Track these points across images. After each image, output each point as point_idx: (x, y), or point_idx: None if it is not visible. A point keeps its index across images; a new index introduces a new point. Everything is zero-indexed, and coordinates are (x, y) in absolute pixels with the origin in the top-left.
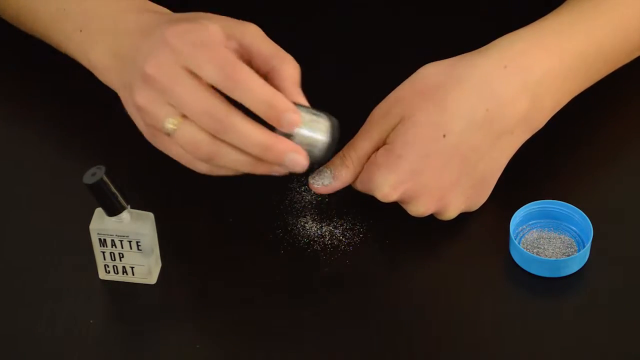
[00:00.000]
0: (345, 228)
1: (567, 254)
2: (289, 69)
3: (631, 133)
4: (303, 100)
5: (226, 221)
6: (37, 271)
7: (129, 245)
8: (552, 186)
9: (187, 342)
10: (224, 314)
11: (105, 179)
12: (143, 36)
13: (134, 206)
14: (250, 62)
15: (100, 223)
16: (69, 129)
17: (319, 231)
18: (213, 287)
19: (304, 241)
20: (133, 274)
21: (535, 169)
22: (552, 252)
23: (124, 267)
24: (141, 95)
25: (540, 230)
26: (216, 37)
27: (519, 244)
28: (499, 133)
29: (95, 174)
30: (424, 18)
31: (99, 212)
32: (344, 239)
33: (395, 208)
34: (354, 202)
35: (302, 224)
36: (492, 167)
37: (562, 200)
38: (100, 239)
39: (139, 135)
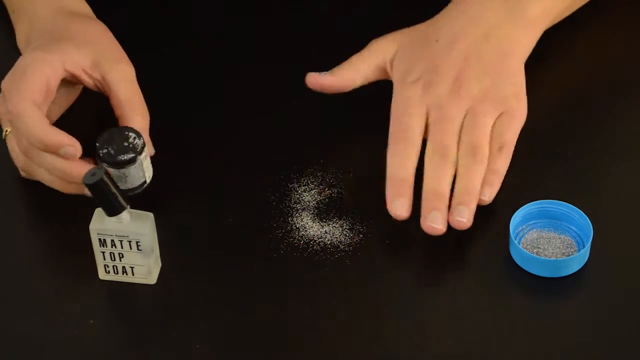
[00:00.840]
0: (345, 228)
1: (567, 254)
2: (138, 119)
3: (631, 133)
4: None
5: (226, 221)
6: (37, 271)
7: (128, 245)
8: (552, 186)
9: (187, 342)
10: (223, 314)
11: (106, 179)
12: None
13: (134, 206)
14: (109, 99)
15: (100, 223)
16: (69, 129)
17: (319, 231)
18: (213, 287)
19: (304, 241)
20: (133, 274)
21: (535, 169)
22: (552, 252)
23: (123, 267)
24: None
25: (540, 230)
26: (37, 68)
27: (518, 244)
28: (487, 27)
29: (95, 174)
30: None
31: (99, 212)
32: (344, 239)
33: None
34: (354, 202)
35: (302, 224)
36: (496, 53)
37: (562, 200)
38: (100, 239)
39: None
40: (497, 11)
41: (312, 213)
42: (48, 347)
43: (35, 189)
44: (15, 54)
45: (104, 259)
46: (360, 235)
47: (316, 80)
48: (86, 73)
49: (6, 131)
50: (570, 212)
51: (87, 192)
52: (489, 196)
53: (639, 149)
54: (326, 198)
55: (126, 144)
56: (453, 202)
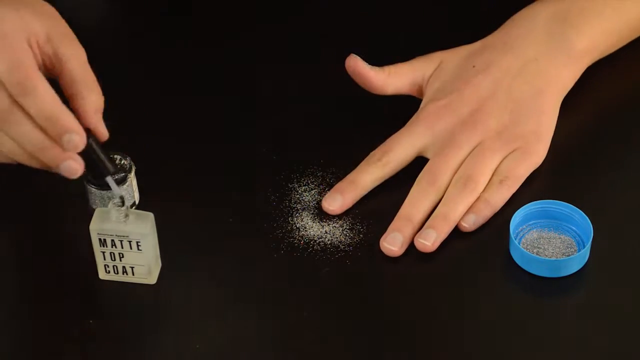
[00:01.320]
0: (345, 228)
1: (567, 254)
2: (93, 97)
3: (632, 133)
4: (103, 129)
5: (226, 221)
6: (37, 271)
7: (129, 245)
8: (552, 186)
9: (187, 342)
10: (223, 314)
11: (92, 142)
12: None
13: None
14: (59, 77)
15: (100, 223)
16: None
17: (319, 231)
18: (213, 287)
19: (304, 241)
20: (133, 274)
21: (535, 169)
22: (552, 252)
23: (124, 267)
24: None
25: (540, 230)
26: (18, 32)
27: (519, 244)
28: (524, 60)
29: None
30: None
31: (99, 212)
32: (344, 239)
33: (395, 209)
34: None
35: (302, 224)
36: (527, 89)
37: (562, 200)
38: (100, 239)
39: (140, 135)
40: (540, 44)
41: (312, 213)
42: (48, 347)
43: (36, 188)
44: None
45: (104, 259)
46: (360, 235)
47: (355, 63)
48: (38, 46)
49: None
50: (571, 212)
51: (65, 168)
52: (470, 223)
53: (639, 148)
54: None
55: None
56: (425, 225)
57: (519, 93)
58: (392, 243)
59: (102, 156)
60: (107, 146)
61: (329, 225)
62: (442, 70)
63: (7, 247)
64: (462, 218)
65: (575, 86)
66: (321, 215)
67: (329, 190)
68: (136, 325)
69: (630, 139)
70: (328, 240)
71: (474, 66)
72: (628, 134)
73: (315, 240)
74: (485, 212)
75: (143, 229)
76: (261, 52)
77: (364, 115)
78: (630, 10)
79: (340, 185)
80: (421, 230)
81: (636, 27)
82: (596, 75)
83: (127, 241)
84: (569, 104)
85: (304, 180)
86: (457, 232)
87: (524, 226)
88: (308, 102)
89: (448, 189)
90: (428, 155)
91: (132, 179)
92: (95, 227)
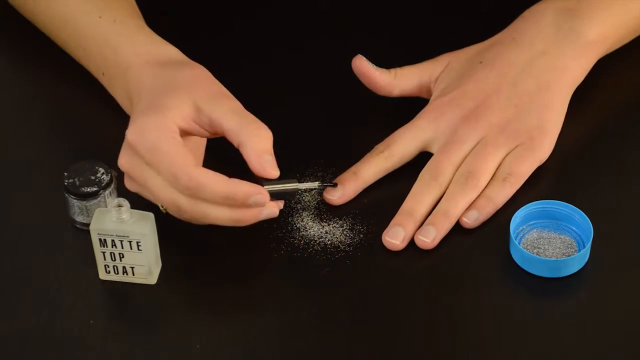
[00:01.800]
0: (345, 228)
1: (567, 254)
2: (256, 142)
3: (632, 133)
4: (271, 170)
5: None
6: (37, 271)
7: (129, 245)
8: (552, 186)
9: (187, 342)
10: (223, 314)
11: (270, 185)
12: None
13: (134, 206)
14: (223, 134)
15: (101, 223)
16: (69, 129)
17: (319, 231)
18: (213, 287)
19: (304, 241)
20: (133, 274)
21: (536, 169)
22: (552, 252)
23: (124, 267)
24: (124, 158)
25: (541, 231)
26: (170, 136)
27: (519, 244)
28: (531, 53)
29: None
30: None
31: (99, 212)
32: (344, 239)
33: (395, 209)
34: (354, 202)
35: (302, 224)
36: (534, 83)
37: (562, 200)
38: (100, 239)
39: None
40: (548, 37)
41: (312, 213)
42: (48, 347)
43: (36, 188)
44: None
45: (104, 259)
46: (360, 235)
47: (361, 63)
48: (195, 122)
49: (164, 207)
50: (571, 213)
51: (264, 217)
52: (472, 219)
53: (639, 148)
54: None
55: (93, 177)
56: (426, 221)
57: (525, 87)
58: (394, 237)
59: (282, 187)
60: (106, 146)
61: (329, 225)
62: (449, 70)
63: (8, 246)
64: (464, 214)
65: (578, 86)
66: (321, 215)
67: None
68: (136, 325)
69: (632, 139)
70: (328, 240)
71: (480, 62)
72: (631, 135)
73: (315, 240)
74: (488, 209)
75: (143, 229)
76: (261, 51)
77: (365, 116)
78: (638, 5)
79: (342, 176)
80: (421, 227)
81: None
82: (596, 75)
83: (127, 241)
84: (570, 103)
85: (304, 180)
86: (457, 232)
87: (524, 226)
88: (308, 101)
89: (450, 185)
90: (432, 150)
91: (107, 196)
92: (96, 227)
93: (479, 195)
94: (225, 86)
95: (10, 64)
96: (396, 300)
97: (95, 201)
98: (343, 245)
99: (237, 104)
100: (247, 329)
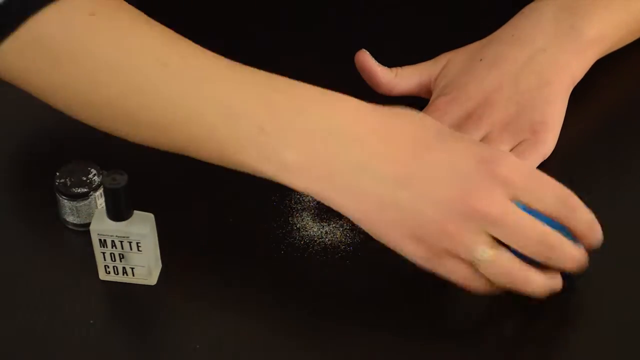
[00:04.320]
0: (346, 228)
1: None
2: None
3: (631, 132)
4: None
5: (226, 221)
6: (37, 271)
7: (129, 246)
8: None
9: (187, 342)
10: (223, 315)
11: (125, 187)
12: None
13: (134, 207)
14: None
15: (101, 224)
16: (69, 128)
17: (319, 231)
18: (213, 287)
19: (304, 241)
20: (133, 275)
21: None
22: None
23: (124, 267)
24: (456, 224)
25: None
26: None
27: None
28: (531, 50)
29: (115, 179)
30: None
31: (99, 212)
32: (344, 239)
33: None
34: None
35: (302, 224)
36: (535, 80)
37: None
38: (100, 240)
39: None
40: (548, 34)
41: (312, 213)
42: (48, 347)
43: (36, 188)
44: None
45: (104, 260)
46: (361, 235)
47: (364, 57)
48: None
49: (485, 254)
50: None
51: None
52: None
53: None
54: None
55: (84, 178)
56: None
57: (526, 84)
58: None
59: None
60: (103, 147)
61: (329, 225)
62: (449, 68)
63: (7, 246)
64: None
65: (577, 85)
66: (321, 215)
67: None
68: (136, 325)
69: (633, 139)
70: (328, 240)
71: (481, 60)
72: (631, 134)
73: (315, 240)
74: None
75: (143, 230)
76: (262, 50)
77: None
78: (638, 5)
79: None
80: None
81: None
82: (597, 75)
83: (127, 242)
84: (572, 101)
85: None
86: None
87: None
88: None
89: None
90: None
91: (97, 197)
92: (96, 228)
93: None
94: None
95: None
96: (396, 300)
97: (85, 202)
98: (343, 245)
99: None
100: (247, 329)
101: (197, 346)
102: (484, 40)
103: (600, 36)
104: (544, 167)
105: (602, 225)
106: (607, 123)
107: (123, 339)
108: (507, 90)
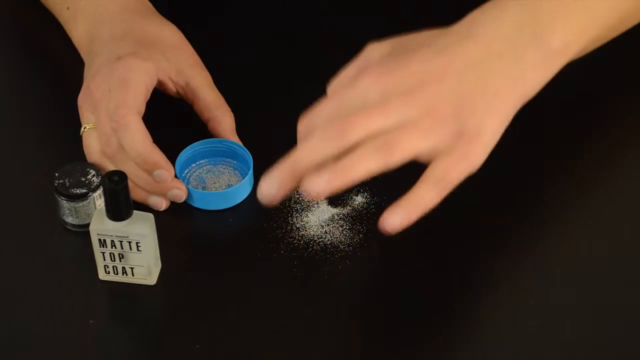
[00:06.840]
0: (345, 228)
1: (232, 185)
2: (228, 121)
3: (629, 132)
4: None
5: (226, 221)
6: (37, 271)
7: (128, 246)
8: (550, 186)
9: (187, 342)
10: (223, 315)
11: (126, 186)
12: (103, 45)
13: (134, 207)
14: (193, 104)
15: (100, 224)
16: (68, 128)
17: (319, 231)
18: (213, 287)
19: (304, 241)
20: (133, 275)
21: (535, 168)
22: (219, 186)
23: (123, 267)
24: (80, 97)
25: (206, 168)
26: (140, 78)
27: (188, 183)
28: (486, 52)
29: (115, 179)
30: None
31: (99, 212)
32: (344, 239)
33: None
34: (354, 202)
35: (302, 224)
36: (480, 86)
37: (560, 200)
38: (100, 240)
39: None
40: (507, 38)
41: (312, 213)
42: (48, 347)
43: (36, 188)
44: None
45: (104, 260)
46: (360, 235)
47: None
48: (171, 80)
49: (85, 128)
50: (233, 147)
51: (151, 202)
52: (396, 221)
53: (638, 147)
54: (326, 198)
55: (83, 179)
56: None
57: (469, 87)
58: (268, 188)
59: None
60: None
61: (329, 225)
62: (392, 52)
63: (7, 246)
64: (386, 215)
65: (578, 86)
66: (321, 215)
67: None
68: (136, 325)
69: (631, 139)
70: (328, 240)
71: (430, 46)
72: (628, 133)
73: (315, 240)
74: (412, 212)
75: (143, 230)
76: (261, 50)
77: None
78: (604, 9)
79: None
80: (310, 176)
81: (610, 27)
82: (597, 74)
83: (127, 242)
84: (567, 103)
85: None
86: (457, 231)
87: (193, 165)
88: (308, 101)
89: (359, 146)
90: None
91: (96, 198)
92: (95, 228)
93: (403, 197)
94: (225, 85)
95: (2, 64)
96: (396, 300)
97: (84, 203)
98: (343, 245)
99: (209, 76)
100: (247, 329)
101: (197, 346)
102: (433, 31)
103: (565, 47)
104: (538, 165)
105: (599, 224)
106: (602, 122)
107: (123, 339)
108: (448, 86)
